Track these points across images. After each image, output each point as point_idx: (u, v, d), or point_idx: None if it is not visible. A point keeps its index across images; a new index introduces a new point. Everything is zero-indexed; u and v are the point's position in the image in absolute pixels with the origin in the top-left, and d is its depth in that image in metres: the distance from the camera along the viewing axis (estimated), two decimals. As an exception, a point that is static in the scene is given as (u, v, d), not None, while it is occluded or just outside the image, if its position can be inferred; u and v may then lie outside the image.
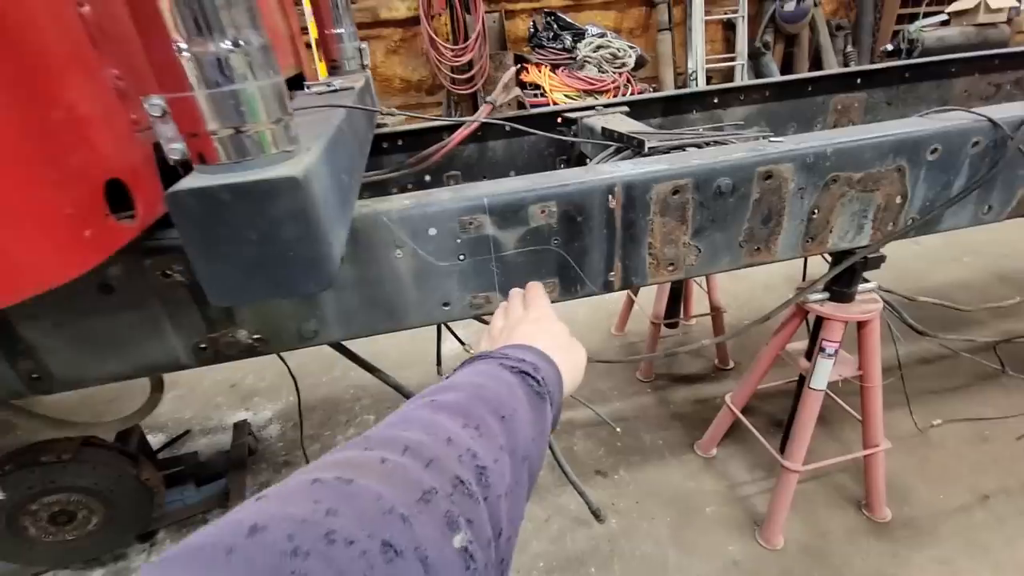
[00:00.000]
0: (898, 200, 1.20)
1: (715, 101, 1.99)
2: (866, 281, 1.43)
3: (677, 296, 2.32)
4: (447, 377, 0.53)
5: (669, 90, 1.88)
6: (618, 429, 1.97)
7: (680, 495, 1.76)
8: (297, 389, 1.60)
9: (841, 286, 1.35)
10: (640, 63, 3.82)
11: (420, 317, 1.09)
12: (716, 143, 1.26)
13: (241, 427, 2.11)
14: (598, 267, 1.12)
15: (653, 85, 4.18)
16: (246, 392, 2.52)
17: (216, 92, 0.62)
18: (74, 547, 1.56)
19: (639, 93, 2.49)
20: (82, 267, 0.57)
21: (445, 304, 1.09)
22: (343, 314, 1.05)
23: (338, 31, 1.73)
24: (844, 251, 1.27)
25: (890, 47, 4.09)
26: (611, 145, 1.40)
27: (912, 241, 3.26)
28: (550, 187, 1.03)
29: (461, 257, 1.04)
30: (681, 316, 2.41)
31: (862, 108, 2.11)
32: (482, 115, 1.58)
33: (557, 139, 1.74)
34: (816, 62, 4.47)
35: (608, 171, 1.06)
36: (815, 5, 4.26)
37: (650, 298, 2.30)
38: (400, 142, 1.81)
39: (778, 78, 2.06)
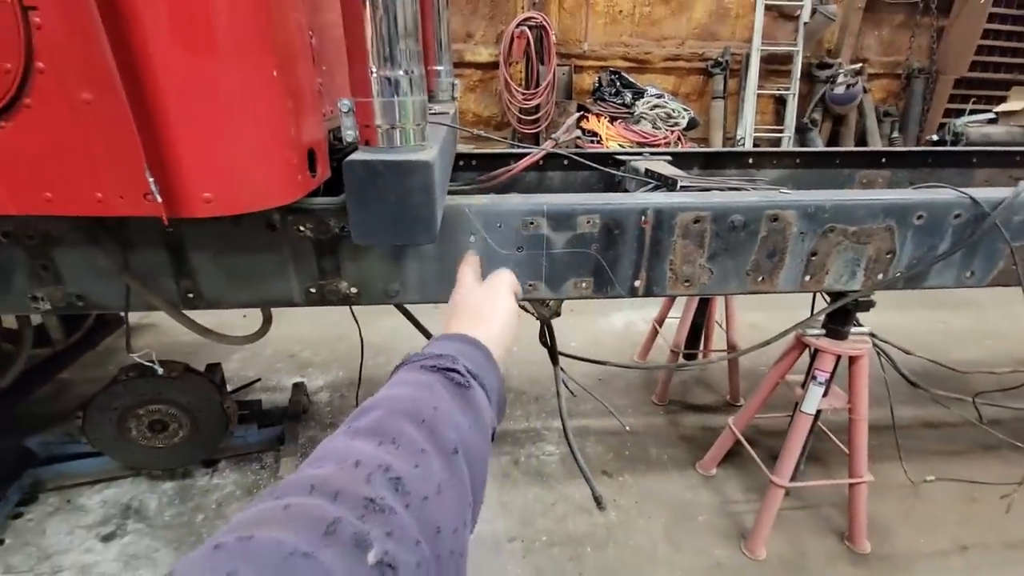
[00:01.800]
0: (887, 255, 1.43)
1: (750, 161, 2.26)
2: (859, 325, 1.64)
3: (698, 331, 2.54)
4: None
5: (739, 148, 2.17)
6: (627, 427, 2.17)
7: (677, 502, 1.94)
8: (363, 349, 1.89)
9: (836, 324, 1.57)
10: (692, 124, 4.15)
11: (480, 293, 1.36)
12: (737, 189, 1.53)
13: (299, 387, 2.42)
14: (627, 273, 1.38)
15: (702, 145, 4.48)
16: (303, 363, 2.84)
17: (387, 101, 0.94)
18: (160, 454, 1.86)
19: (688, 149, 2.79)
20: (293, 197, 0.88)
21: (501, 285, 1.36)
22: (421, 281, 1.34)
23: (438, 68, 2.11)
24: (839, 292, 1.50)
25: (935, 137, 4.28)
26: (650, 183, 1.69)
27: (939, 320, 3.39)
28: (597, 204, 1.31)
29: (519, 249, 1.32)
30: (700, 349, 2.61)
31: (885, 184, 2.34)
32: (547, 148, 1.91)
33: (607, 173, 2.04)
34: (861, 143, 4.70)
35: (644, 198, 1.34)
36: (865, 91, 4.52)
37: (673, 330, 2.52)
38: (473, 162, 2.15)
39: (810, 149, 2.32)
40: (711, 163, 2.24)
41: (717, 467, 2.07)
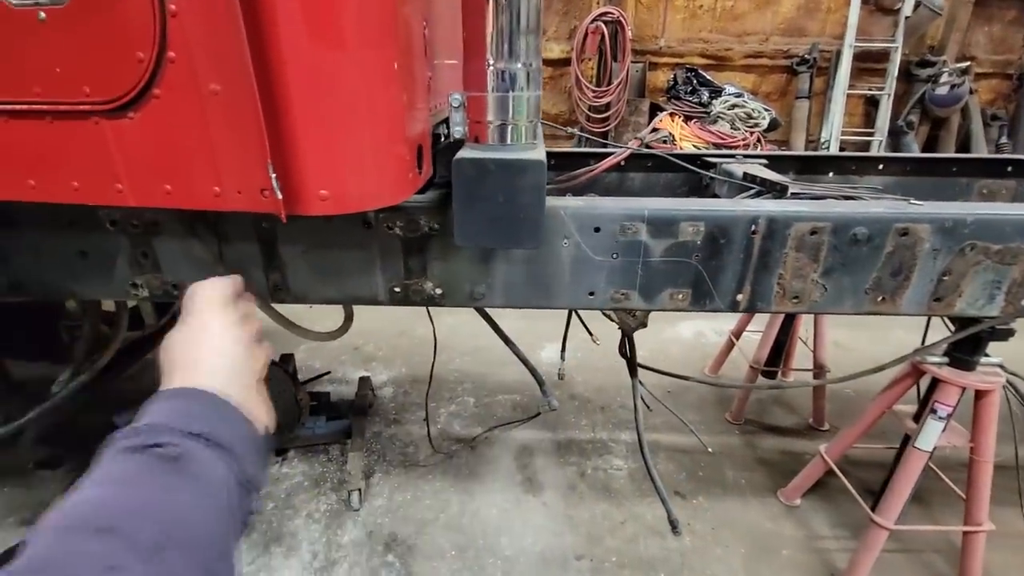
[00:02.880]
0: (1035, 278, 1.25)
1: (852, 167, 2.08)
2: (988, 356, 1.46)
3: (780, 348, 2.37)
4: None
5: (840, 152, 2.02)
6: (710, 449, 2.05)
7: (757, 532, 1.81)
8: (435, 350, 1.86)
9: (963, 352, 1.39)
10: (773, 126, 3.91)
11: (568, 300, 1.29)
12: (853, 198, 1.39)
13: (365, 381, 2.43)
14: (729, 286, 1.27)
15: (783, 148, 4.23)
16: (367, 356, 2.87)
17: (502, 96, 0.88)
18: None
19: (768, 151, 2.61)
20: (404, 196, 0.84)
21: (591, 293, 1.29)
22: (507, 285, 1.28)
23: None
24: (971, 318, 1.33)
25: (1053, 144, 3.85)
26: (752, 187, 1.56)
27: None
28: (702, 210, 1.21)
29: (614, 256, 1.24)
30: (780, 367, 2.44)
31: (1009, 196, 2.09)
32: (631, 147, 1.81)
33: (694, 176, 1.93)
34: (963, 150, 4.29)
35: (754, 205, 1.23)
36: (971, 93, 4.13)
37: (752, 344, 2.37)
38: (552, 161, 2.08)
39: (923, 154, 2.11)
40: (808, 167, 2.07)
41: (802, 497, 1.91)
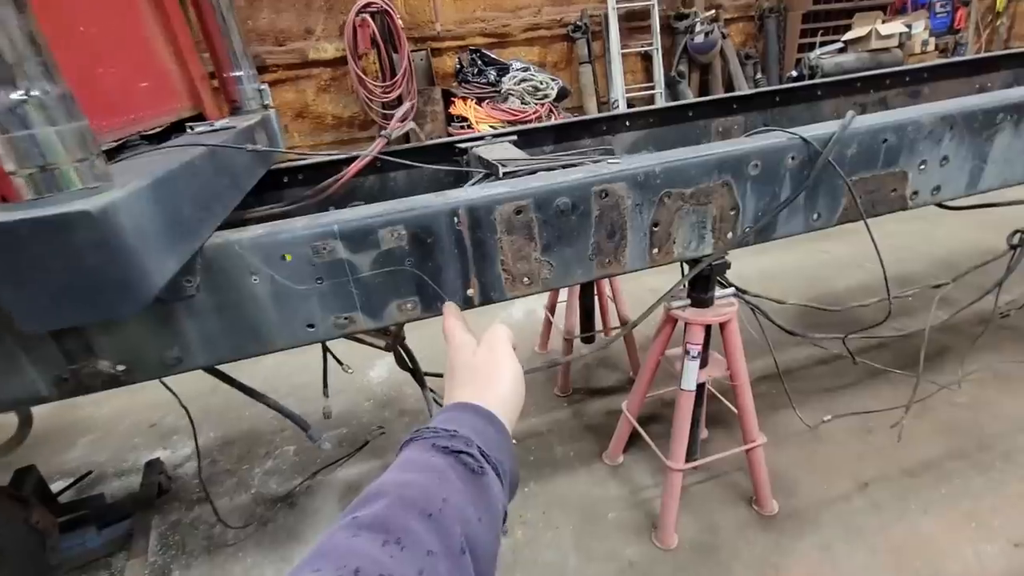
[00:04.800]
0: (732, 211, 1.33)
1: (603, 128, 2.14)
2: (726, 286, 1.55)
3: (590, 311, 2.42)
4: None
5: (588, 116, 2.04)
6: (514, 442, 2.02)
7: (585, 503, 1.82)
8: (193, 428, 1.61)
9: (698, 292, 1.46)
10: (563, 94, 4.03)
11: (286, 339, 1.13)
12: (568, 166, 1.38)
13: (152, 466, 2.08)
14: (455, 284, 1.19)
15: (575, 114, 4.39)
16: (166, 431, 2.48)
17: (12, 137, 0.68)
18: (-42, 600, 1.50)
19: (577, 118, 2.65)
20: None
21: (310, 326, 1.14)
22: (207, 340, 1.09)
23: (236, 74, 1.82)
24: (692, 260, 1.39)
25: (794, 73, 4.42)
26: (482, 171, 1.51)
27: (821, 251, 3.50)
28: (398, 212, 1.11)
29: (319, 280, 1.10)
30: (599, 330, 2.51)
31: (741, 130, 2.29)
32: (376, 149, 1.68)
33: (457, 164, 1.86)
34: (730, 89, 4.79)
35: (454, 195, 1.15)
36: (723, 37, 4.59)
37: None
38: (300, 176, 1.88)
39: (661, 105, 2.23)
40: (563, 136, 2.09)
41: (624, 454, 1.96)
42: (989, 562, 1.51)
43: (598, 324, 2.49)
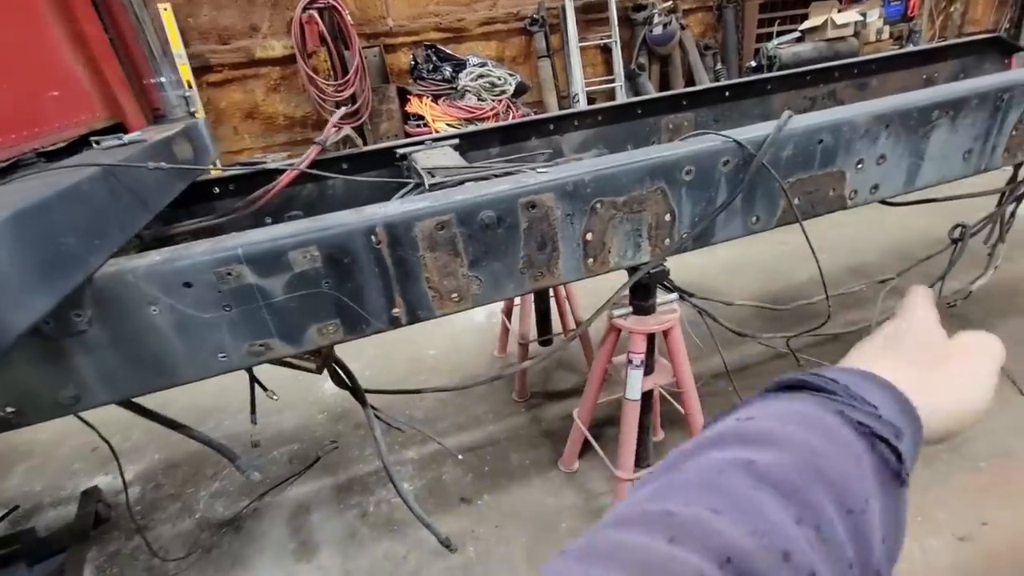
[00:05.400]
0: (667, 218, 1.29)
1: (551, 128, 2.09)
2: (670, 290, 1.53)
3: (546, 314, 2.39)
4: (745, 405, 0.37)
5: (536, 116, 1.97)
6: (459, 456, 1.98)
7: (540, 513, 1.79)
8: (117, 458, 1.52)
9: (639, 300, 1.43)
10: (521, 90, 3.96)
11: (195, 370, 1.07)
12: (505, 174, 1.33)
13: (89, 495, 1.98)
14: (378, 304, 1.13)
15: (535, 109, 4.34)
16: (108, 455, 2.35)
17: None
18: None
19: (521, 117, 2.57)
20: None
21: (221, 354, 1.07)
22: (105, 376, 1.02)
23: (157, 80, 1.71)
24: (630, 268, 1.35)
25: (753, 64, 4.43)
26: (411, 182, 1.45)
27: (780, 242, 3.52)
28: (309, 232, 1.04)
29: (227, 308, 1.03)
30: (558, 333, 2.47)
31: (692, 126, 2.27)
32: (308, 159, 1.60)
33: (398, 173, 1.79)
34: (690, 81, 4.79)
35: (370, 212, 1.09)
36: (682, 28, 4.57)
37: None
38: (231, 186, 1.79)
39: (610, 103, 2.19)
40: (509, 138, 2.04)
41: (579, 460, 1.94)
42: (934, 557, 1.52)
43: (558, 327, 2.46)
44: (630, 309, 1.45)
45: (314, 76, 3.70)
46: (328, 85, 3.73)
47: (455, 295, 1.18)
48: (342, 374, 1.49)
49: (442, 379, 2.60)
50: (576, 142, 2.14)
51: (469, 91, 3.71)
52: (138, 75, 1.71)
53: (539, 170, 1.22)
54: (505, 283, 1.21)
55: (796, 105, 2.43)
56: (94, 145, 1.38)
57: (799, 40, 4.59)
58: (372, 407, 1.57)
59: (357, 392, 1.54)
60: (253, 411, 1.48)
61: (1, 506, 2.14)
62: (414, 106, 3.58)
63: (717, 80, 4.67)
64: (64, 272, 0.87)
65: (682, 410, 1.69)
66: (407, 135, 3.67)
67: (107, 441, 1.50)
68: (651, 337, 1.46)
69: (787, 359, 2.32)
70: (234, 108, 3.98)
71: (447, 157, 1.69)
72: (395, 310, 1.15)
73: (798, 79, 2.40)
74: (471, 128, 1.99)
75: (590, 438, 1.73)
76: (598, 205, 1.21)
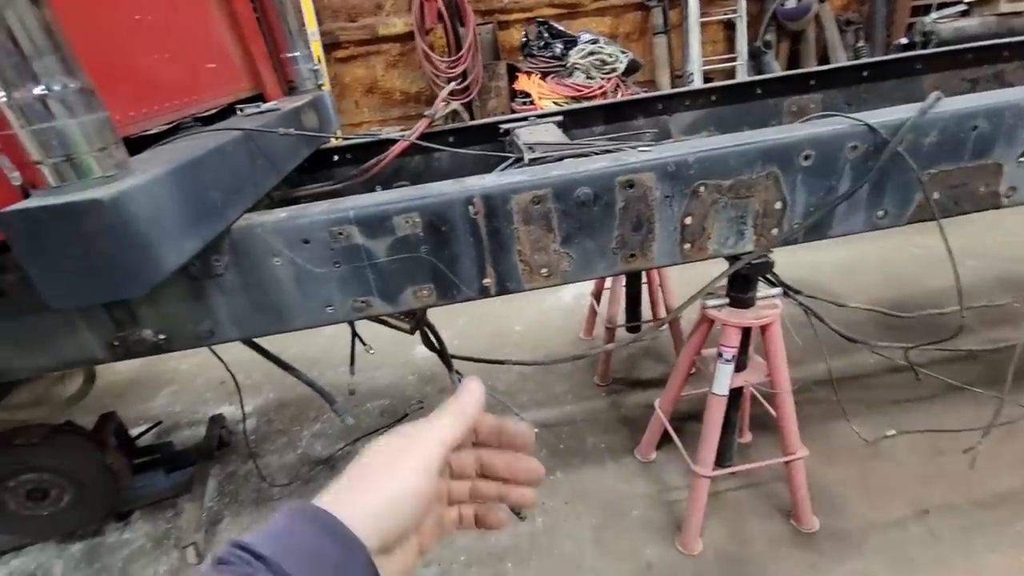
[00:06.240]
0: (777, 205, 1.20)
1: (660, 107, 2.01)
2: (774, 284, 1.43)
3: (637, 299, 2.33)
4: None
5: (643, 94, 1.89)
6: (536, 431, 2.00)
7: (611, 496, 1.79)
8: (239, 391, 1.74)
9: (737, 292, 1.35)
10: (632, 68, 3.82)
11: (307, 319, 1.18)
12: (605, 152, 1.31)
13: (215, 420, 2.28)
14: (471, 273, 1.18)
15: (646, 89, 4.16)
16: (234, 388, 2.70)
17: (36, 129, 0.73)
18: (51, 522, 1.74)
19: (630, 96, 2.50)
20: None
21: (329, 307, 1.18)
22: (235, 316, 1.16)
23: (292, 55, 1.88)
24: (732, 256, 1.28)
25: (904, 40, 3.90)
26: (512, 156, 1.47)
27: (915, 245, 3.12)
28: (412, 199, 1.10)
29: (336, 264, 1.13)
30: (648, 319, 2.41)
31: (819, 109, 2.07)
32: (418, 131, 1.68)
33: (501, 147, 1.83)
34: (824, 61, 4.31)
35: (470, 183, 1.13)
36: (820, 1, 4.12)
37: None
38: (349, 155, 1.94)
39: (725, 82, 2.05)
40: (614, 116, 1.99)
41: (656, 451, 1.90)
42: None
43: (648, 313, 2.39)
44: (726, 300, 1.38)
45: (430, 52, 3.84)
46: (442, 61, 3.86)
47: (545, 270, 1.20)
48: (432, 337, 1.57)
49: (525, 355, 2.65)
50: (685, 123, 2.05)
51: (578, 69, 3.65)
52: (277, 50, 1.88)
53: (640, 148, 1.19)
54: (596, 262, 1.20)
55: (951, 87, 2.12)
56: (237, 112, 1.55)
57: (964, 14, 3.97)
58: (457, 372, 1.65)
59: (444, 356, 1.61)
60: (352, 363, 1.61)
61: (149, 421, 2.53)
62: (522, 83, 3.60)
63: (857, 58, 4.19)
64: (209, 221, 0.99)
65: (773, 413, 1.59)
66: (513, 112, 3.71)
67: (233, 376, 1.70)
68: (746, 332, 1.38)
69: (905, 373, 2.08)
70: (356, 83, 4.26)
71: (549, 133, 1.70)
72: (485, 280, 1.19)
73: (956, 58, 2.10)
74: (576, 106, 1.96)
75: (670, 429, 1.69)
76: (701, 188, 1.16)
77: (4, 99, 0.71)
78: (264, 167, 1.31)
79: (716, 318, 1.36)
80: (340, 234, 1.11)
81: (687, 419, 1.97)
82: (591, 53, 3.67)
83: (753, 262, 1.25)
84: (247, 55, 1.90)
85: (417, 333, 1.49)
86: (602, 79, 3.62)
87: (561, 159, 1.28)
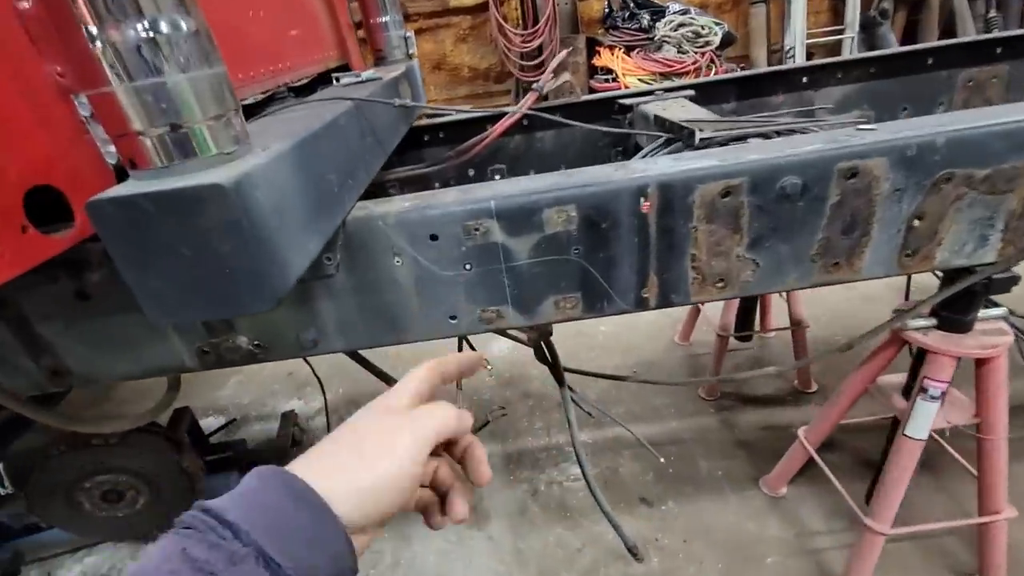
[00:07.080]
0: (1042, 205, 0.91)
1: (804, 81, 1.70)
2: (994, 306, 1.13)
3: (753, 305, 2.05)
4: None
5: (784, 67, 1.60)
6: (661, 460, 1.77)
7: (737, 538, 1.54)
8: (323, 391, 1.57)
9: (955, 312, 1.07)
10: (727, 41, 3.44)
11: (425, 330, 0.99)
12: (791, 132, 1.04)
13: (287, 417, 2.15)
14: (628, 282, 0.95)
15: (742, 65, 3.77)
16: (301, 381, 2.58)
17: (139, 86, 0.53)
18: (125, 523, 1.65)
19: (724, 74, 2.21)
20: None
21: (452, 317, 0.98)
22: (343, 324, 0.98)
23: (383, 19, 1.68)
24: (959, 269, 1.00)
25: (1048, 10, 3.37)
26: (661, 136, 1.21)
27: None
28: (570, 188, 0.88)
29: (467, 267, 0.92)
30: (757, 328, 2.13)
31: (1003, 85, 1.72)
32: (526, 104, 1.45)
33: (616, 126, 1.58)
34: (947, 34, 3.80)
35: (642, 169, 0.89)
36: (947, -37, 3.60)
37: (719, 306, 2.05)
38: (441, 134, 1.73)
39: (889, 50, 1.72)
40: (749, 91, 1.70)
41: (787, 485, 1.63)
42: None
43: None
44: (933, 321, 1.10)
45: (503, 24, 3.58)
46: (516, 34, 3.59)
47: (720, 281, 0.95)
48: (546, 351, 1.36)
49: (613, 359, 2.41)
50: (834, 99, 1.73)
51: (668, 42, 3.32)
52: (366, 15, 1.68)
53: (859, 127, 0.92)
54: (787, 271, 0.95)
55: None
56: (335, 82, 1.35)
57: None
58: (571, 388, 1.43)
59: (557, 370, 1.40)
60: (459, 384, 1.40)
61: (218, 412, 2.44)
62: (603, 59, 3.30)
63: (988, 31, 3.67)
64: (329, 211, 0.80)
65: (962, 460, 1.30)
66: (591, 91, 3.42)
67: (317, 376, 1.55)
68: (958, 363, 1.09)
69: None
70: (424, 59, 4.05)
71: (688, 110, 1.43)
72: (645, 291, 0.96)
73: None
74: (704, 79, 1.68)
75: (824, 467, 1.42)
76: (945, 180, 0.88)
77: (97, 37, 0.51)
78: (372, 145, 1.11)
79: (922, 344, 1.08)
80: (476, 229, 0.89)
81: (821, 449, 1.69)
82: (682, 25, 3.32)
83: (995, 276, 0.97)
84: (333, 22, 1.71)
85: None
86: (696, 53, 3.28)
87: (741, 138, 1.01)
